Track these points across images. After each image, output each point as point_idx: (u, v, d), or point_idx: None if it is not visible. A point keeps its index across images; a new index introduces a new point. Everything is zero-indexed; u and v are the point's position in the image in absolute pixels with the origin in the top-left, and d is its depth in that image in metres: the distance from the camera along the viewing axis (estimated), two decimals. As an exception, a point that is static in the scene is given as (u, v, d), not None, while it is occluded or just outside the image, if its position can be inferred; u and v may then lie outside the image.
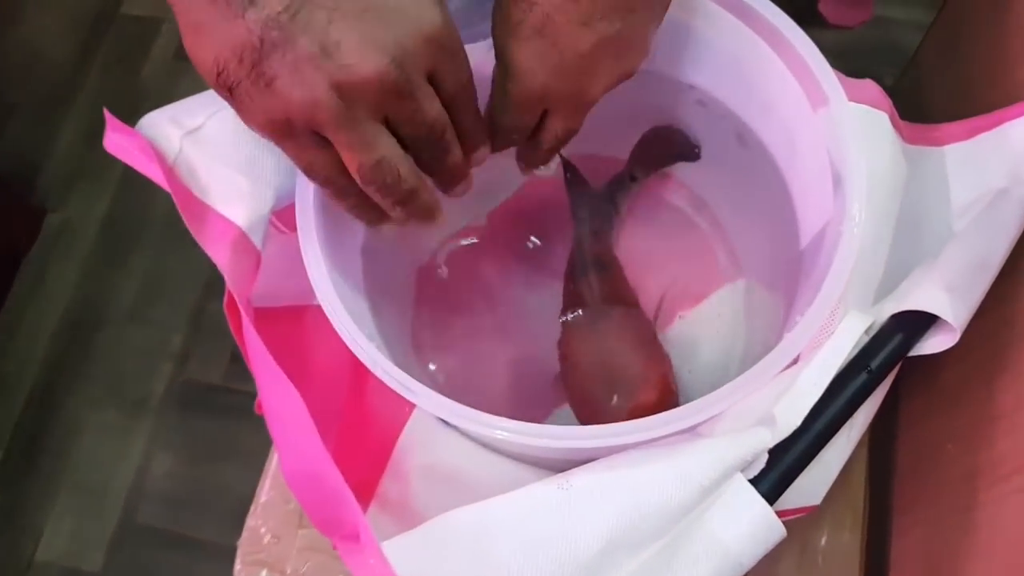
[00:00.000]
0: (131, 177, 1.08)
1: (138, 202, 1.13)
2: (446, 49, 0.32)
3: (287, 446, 0.37)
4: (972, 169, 0.44)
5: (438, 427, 0.42)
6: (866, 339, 0.38)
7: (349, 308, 0.37)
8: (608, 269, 0.48)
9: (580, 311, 0.45)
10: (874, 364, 0.38)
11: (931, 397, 0.46)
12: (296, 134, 0.32)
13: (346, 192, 0.34)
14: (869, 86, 0.43)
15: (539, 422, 0.46)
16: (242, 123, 0.32)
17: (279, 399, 0.36)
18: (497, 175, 0.43)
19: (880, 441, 0.47)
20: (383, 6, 0.30)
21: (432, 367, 0.51)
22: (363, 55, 0.30)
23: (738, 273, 0.52)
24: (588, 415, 0.44)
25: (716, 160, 0.50)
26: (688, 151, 0.50)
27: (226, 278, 0.37)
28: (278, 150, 0.33)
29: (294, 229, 0.39)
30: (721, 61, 0.44)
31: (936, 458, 0.44)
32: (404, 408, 0.42)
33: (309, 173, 0.34)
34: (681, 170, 0.53)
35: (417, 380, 0.36)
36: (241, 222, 0.38)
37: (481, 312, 0.53)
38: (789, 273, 0.45)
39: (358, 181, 0.33)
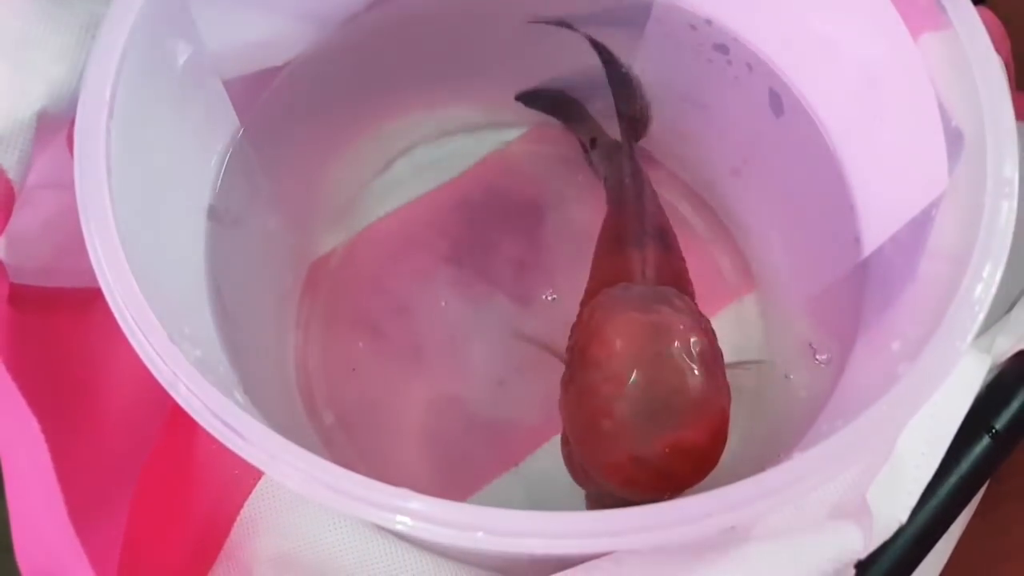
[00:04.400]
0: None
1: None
2: None
3: (21, 517, 0.21)
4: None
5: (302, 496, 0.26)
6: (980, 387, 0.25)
7: (155, 293, 0.21)
8: (671, 249, 0.32)
9: (626, 285, 0.29)
10: (999, 424, 0.24)
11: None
12: None
13: None
14: (986, 16, 0.30)
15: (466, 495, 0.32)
16: None
17: (16, 440, 0.21)
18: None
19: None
20: None
21: (320, 404, 0.35)
22: None
23: (749, 285, 0.38)
24: (593, 440, 0.26)
25: (732, 138, 0.37)
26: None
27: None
28: (71, 20, 0.22)
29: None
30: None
31: None
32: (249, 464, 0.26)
33: None
34: (673, 159, 0.39)
35: (286, 418, 0.22)
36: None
37: (399, 327, 0.37)
38: (837, 292, 0.32)
39: None
